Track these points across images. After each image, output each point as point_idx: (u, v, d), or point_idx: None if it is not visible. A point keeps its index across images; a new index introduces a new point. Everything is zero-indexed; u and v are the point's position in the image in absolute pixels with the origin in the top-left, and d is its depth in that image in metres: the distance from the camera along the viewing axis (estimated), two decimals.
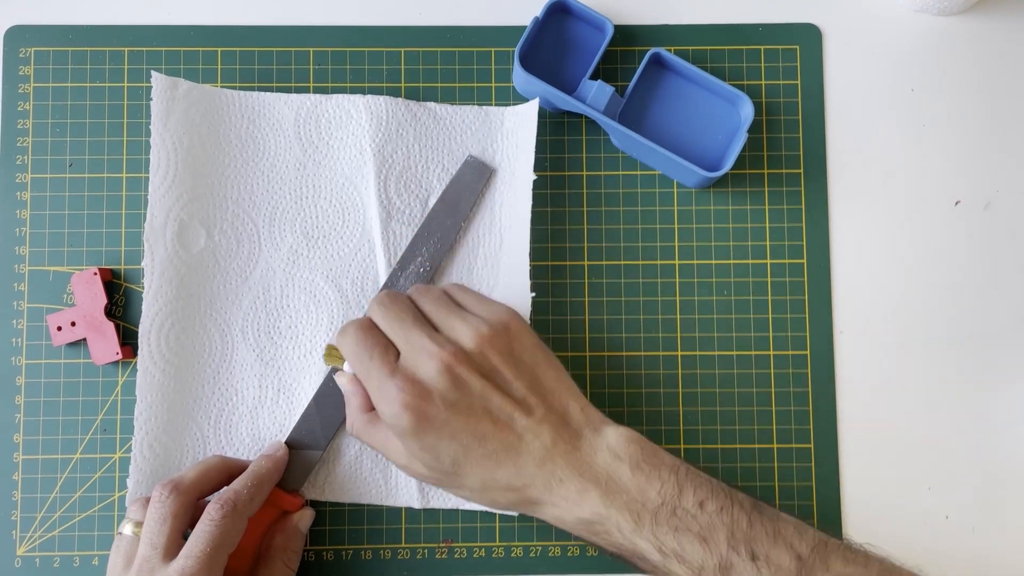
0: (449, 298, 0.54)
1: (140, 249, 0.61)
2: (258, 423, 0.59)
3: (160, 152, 0.59)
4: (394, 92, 0.62)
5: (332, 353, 0.55)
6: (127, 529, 0.52)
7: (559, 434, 0.49)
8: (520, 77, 0.60)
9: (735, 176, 0.63)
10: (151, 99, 0.59)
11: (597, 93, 0.59)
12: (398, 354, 0.50)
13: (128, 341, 0.60)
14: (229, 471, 0.55)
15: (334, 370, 0.58)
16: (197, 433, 0.59)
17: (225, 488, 0.53)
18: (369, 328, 0.52)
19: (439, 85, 0.63)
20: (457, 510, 0.60)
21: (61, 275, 0.61)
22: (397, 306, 0.52)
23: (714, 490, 0.48)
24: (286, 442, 0.58)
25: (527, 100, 0.62)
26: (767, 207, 0.62)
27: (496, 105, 0.62)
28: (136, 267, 0.61)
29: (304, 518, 0.57)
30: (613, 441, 0.49)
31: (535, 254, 0.60)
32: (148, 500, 0.53)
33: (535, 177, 0.59)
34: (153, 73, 0.59)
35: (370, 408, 0.53)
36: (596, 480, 0.48)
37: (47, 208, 0.61)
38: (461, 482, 0.50)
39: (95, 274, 0.59)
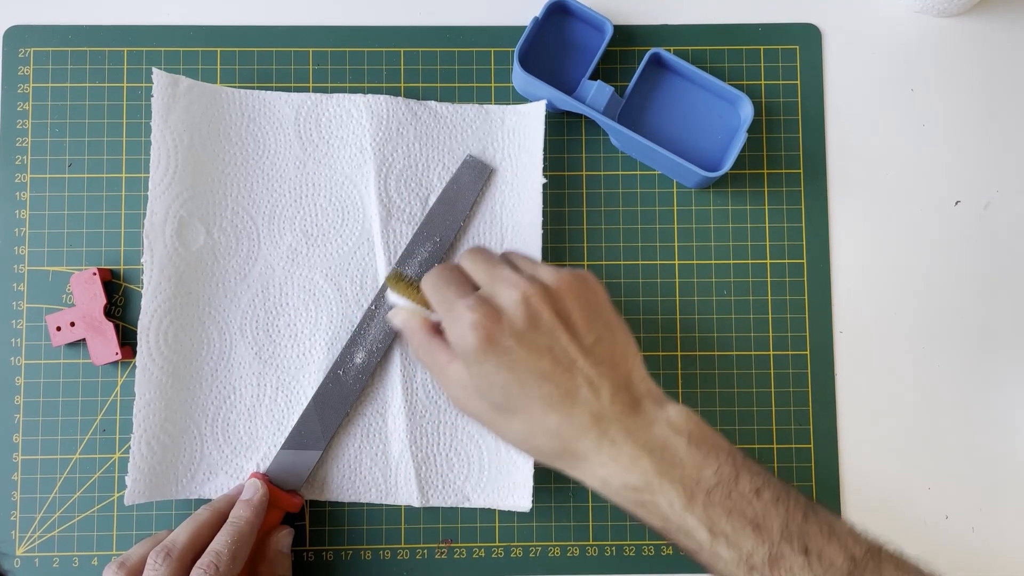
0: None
1: (139, 249, 0.61)
2: (256, 421, 0.59)
3: (160, 149, 0.59)
4: (393, 92, 0.62)
5: (401, 283, 0.54)
6: None
7: (618, 394, 0.47)
8: (520, 77, 0.60)
9: (735, 176, 0.63)
10: (152, 96, 0.59)
11: (597, 93, 0.59)
12: (477, 289, 0.50)
13: (127, 341, 0.60)
14: (221, 518, 0.55)
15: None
16: (195, 431, 0.59)
17: (207, 551, 0.52)
18: (453, 267, 0.51)
19: (438, 85, 0.63)
20: (457, 509, 0.60)
21: (60, 275, 0.61)
22: (486, 252, 0.51)
23: (770, 480, 0.47)
24: (285, 443, 0.58)
25: (527, 100, 0.62)
26: (767, 207, 0.62)
27: (496, 105, 0.62)
28: (135, 267, 0.61)
29: (283, 539, 0.57)
30: (673, 415, 0.47)
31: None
32: (126, 564, 0.52)
33: (545, 180, 0.59)
34: (154, 70, 0.59)
35: (432, 331, 0.52)
36: (651, 449, 0.46)
37: (46, 208, 0.61)
38: (510, 421, 0.48)
39: (94, 274, 0.59)
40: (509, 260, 0.50)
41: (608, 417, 0.46)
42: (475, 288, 0.49)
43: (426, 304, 0.51)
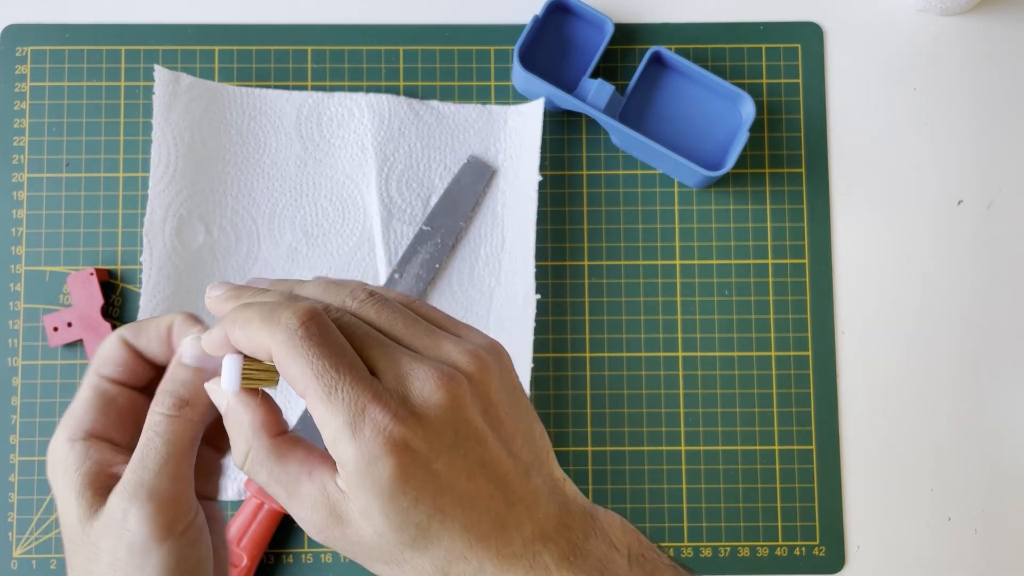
0: (415, 314, 0.37)
1: (137, 249, 0.60)
2: None
3: (161, 147, 0.58)
4: (393, 91, 0.62)
5: (253, 369, 0.35)
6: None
7: (550, 506, 0.35)
8: (520, 76, 0.60)
9: (736, 175, 0.62)
10: (153, 92, 0.58)
11: (597, 92, 0.59)
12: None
13: None
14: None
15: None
16: None
17: None
18: (327, 325, 0.34)
19: (438, 84, 0.62)
20: None
21: (57, 275, 0.60)
22: (374, 301, 0.36)
23: None
24: None
25: (527, 99, 0.62)
26: (768, 206, 0.62)
27: (496, 104, 0.62)
28: (133, 267, 0.60)
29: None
30: (607, 525, 0.37)
31: (535, 254, 0.60)
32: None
33: (540, 178, 0.59)
34: (156, 66, 0.59)
35: (277, 431, 0.35)
36: (588, 572, 0.35)
37: (43, 208, 0.61)
38: (416, 558, 0.34)
39: (91, 274, 0.59)
40: (387, 330, 0.35)
41: (544, 541, 0.35)
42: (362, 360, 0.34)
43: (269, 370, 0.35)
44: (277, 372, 0.34)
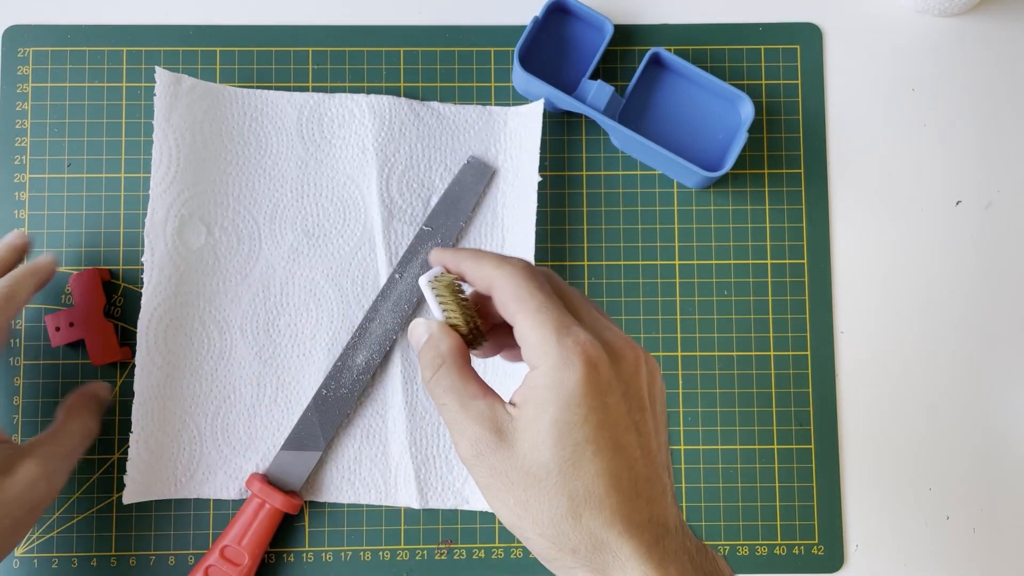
0: None
1: (138, 249, 0.60)
2: (256, 422, 0.59)
3: (162, 148, 0.59)
4: (393, 92, 0.62)
5: (447, 289, 0.42)
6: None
7: (674, 509, 0.40)
8: (520, 77, 0.60)
9: (735, 176, 0.62)
10: (155, 94, 0.59)
11: (597, 93, 0.59)
12: None
13: (126, 341, 0.60)
14: None
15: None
16: (194, 431, 0.58)
17: None
18: (544, 279, 0.41)
19: (438, 85, 0.63)
20: (456, 511, 0.60)
21: (59, 275, 0.60)
22: (571, 289, 0.43)
23: None
24: (285, 443, 0.58)
25: (527, 100, 0.62)
26: (767, 207, 0.62)
27: (496, 105, 0.62)
28: (134, 267, 0.61)
29: (103, 389, 0.58)
30: (714, 553, 0.41)
31: (535, 254, 0.60)
32: None
33: (540, 179, 0.59)
34: (157, 68, 0.59)
35: (468, 359, 0.42)
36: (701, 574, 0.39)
37: (45, 208, 0.61)
38: (556, 487, 0.38)
39: (93, 274, 0.59)
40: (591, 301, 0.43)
41: (664, 527, 0.39)
42: None
43: (466, 322, 0.42)
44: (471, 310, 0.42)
